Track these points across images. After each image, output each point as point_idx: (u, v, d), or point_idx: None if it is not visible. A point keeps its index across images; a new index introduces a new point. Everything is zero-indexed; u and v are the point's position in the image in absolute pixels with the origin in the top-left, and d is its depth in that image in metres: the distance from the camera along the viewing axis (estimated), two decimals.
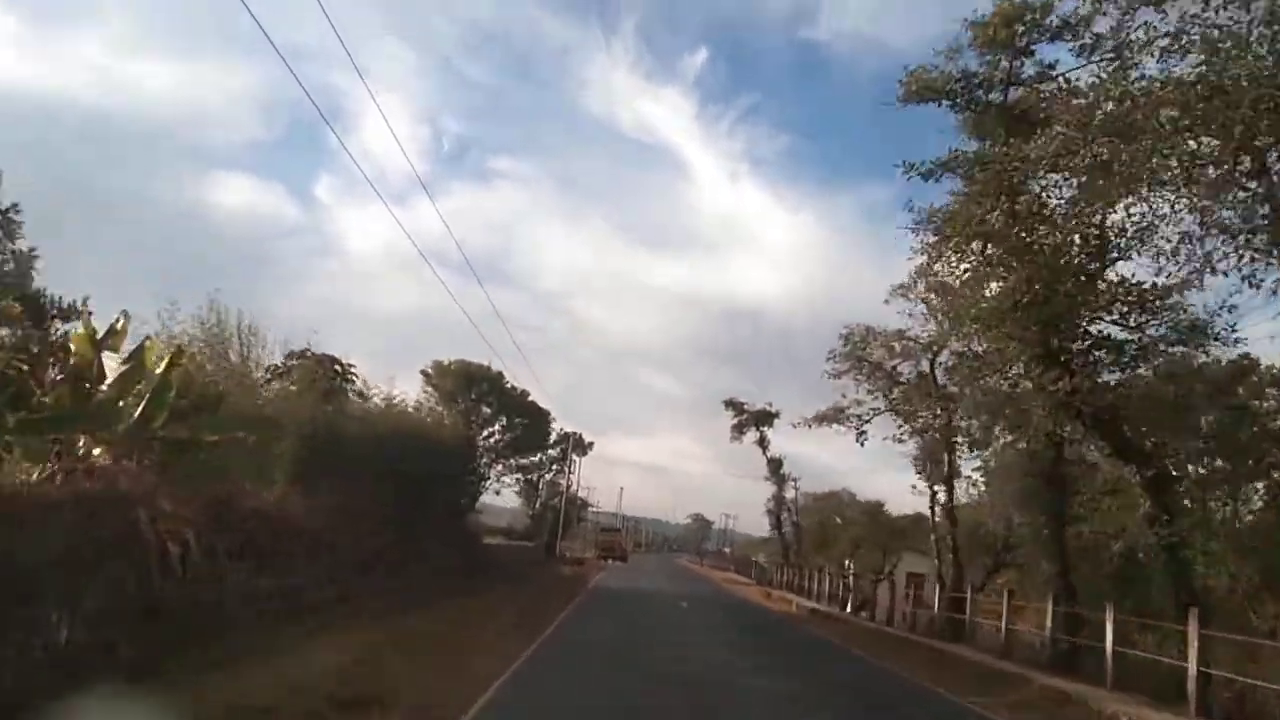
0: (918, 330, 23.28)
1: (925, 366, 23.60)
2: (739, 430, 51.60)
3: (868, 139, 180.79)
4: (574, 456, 58.56)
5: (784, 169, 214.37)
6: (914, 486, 35.58)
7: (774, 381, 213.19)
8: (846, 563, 44.14)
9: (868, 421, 25.08)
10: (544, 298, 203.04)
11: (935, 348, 23.05)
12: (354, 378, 20.49)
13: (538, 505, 60.49)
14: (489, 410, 32.82)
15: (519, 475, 35.12)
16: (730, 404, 51.96)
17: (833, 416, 25.46)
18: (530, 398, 34.39)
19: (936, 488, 24.50)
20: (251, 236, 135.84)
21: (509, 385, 33.64)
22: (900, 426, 24.62)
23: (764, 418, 51.25)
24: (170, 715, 6.64)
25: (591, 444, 61.27)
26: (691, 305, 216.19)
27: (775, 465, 50.95)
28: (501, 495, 43.18)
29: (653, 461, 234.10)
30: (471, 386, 32.59)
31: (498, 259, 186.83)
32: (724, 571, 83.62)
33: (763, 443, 51.23)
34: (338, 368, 20.25)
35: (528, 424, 34.45)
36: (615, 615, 21.53)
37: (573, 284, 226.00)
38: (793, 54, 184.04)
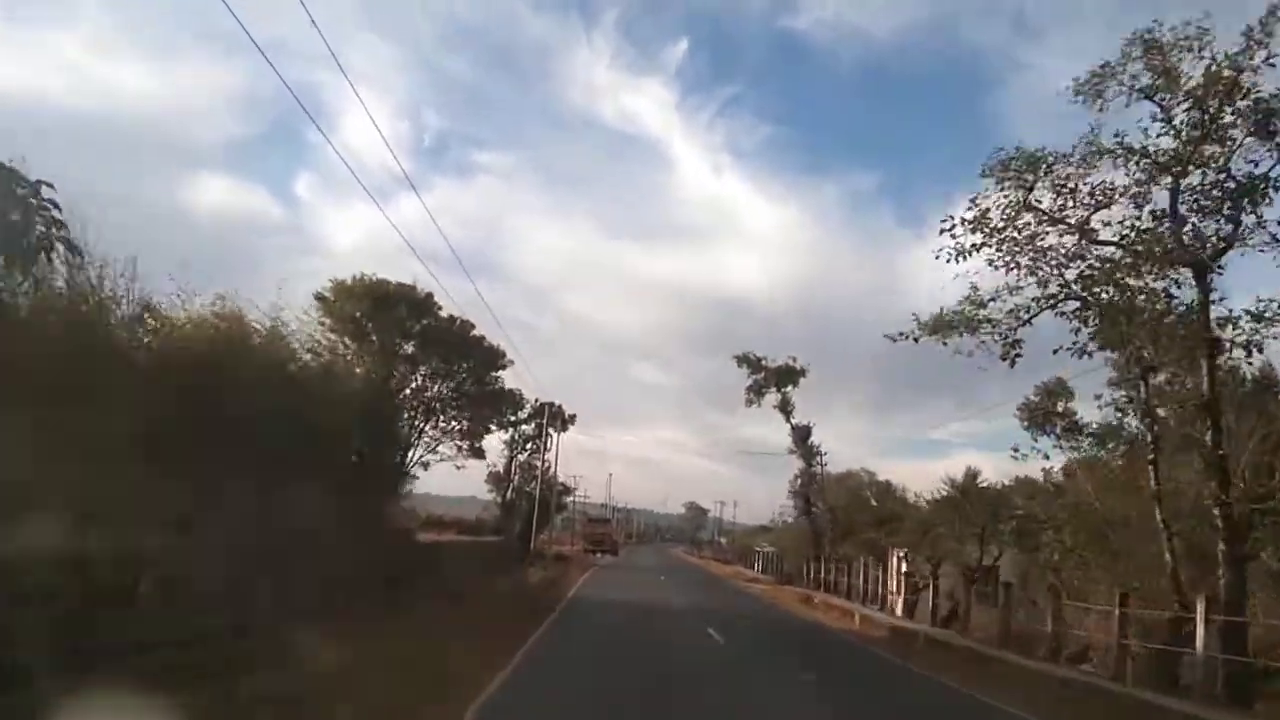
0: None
1: (1155, 204, 13.17)
2: (756, 392, 41.27)
3: (850, 128, 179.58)
4: (551, 431, 48.15)
5: (766, 159, 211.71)
6: (1015, 450, 25.63)
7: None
8: (901, 553, 34.06)
9: (1027, 322, 14.73)
10: (530, 291, 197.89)
11: (1178, 167, 12.75)
12: (51, 211, 9.78)
13: (509, 493, 50.11)
14: (411, 348, 22.24)
15: (462, 442, 24.52)
16: (744, 360, 41.56)
17: (965, 321, 15.06)
18: (475, 332, 23.82)
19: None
20: (231, 234, 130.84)
21: (443, 313, 23.05)
22: (1082, 323, 14.31)
23: (787, 375, 40.96)
24: None
25: (573, 417, 50.84)
26: (678, 297, 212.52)
27: (803, 434, 40.63)
28: (459, 476, 32.75)
29: (642, 453, 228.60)
30: (387, 313, 21.97)
31: (482, 253, 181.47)
32: (727, 564, 73.77)
33: (785, 406, 40.93)
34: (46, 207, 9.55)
35: (471, 367, 23.87)
36: (601, 677, 11.11)
37: (558, 277, 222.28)
38: (773, 43, 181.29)
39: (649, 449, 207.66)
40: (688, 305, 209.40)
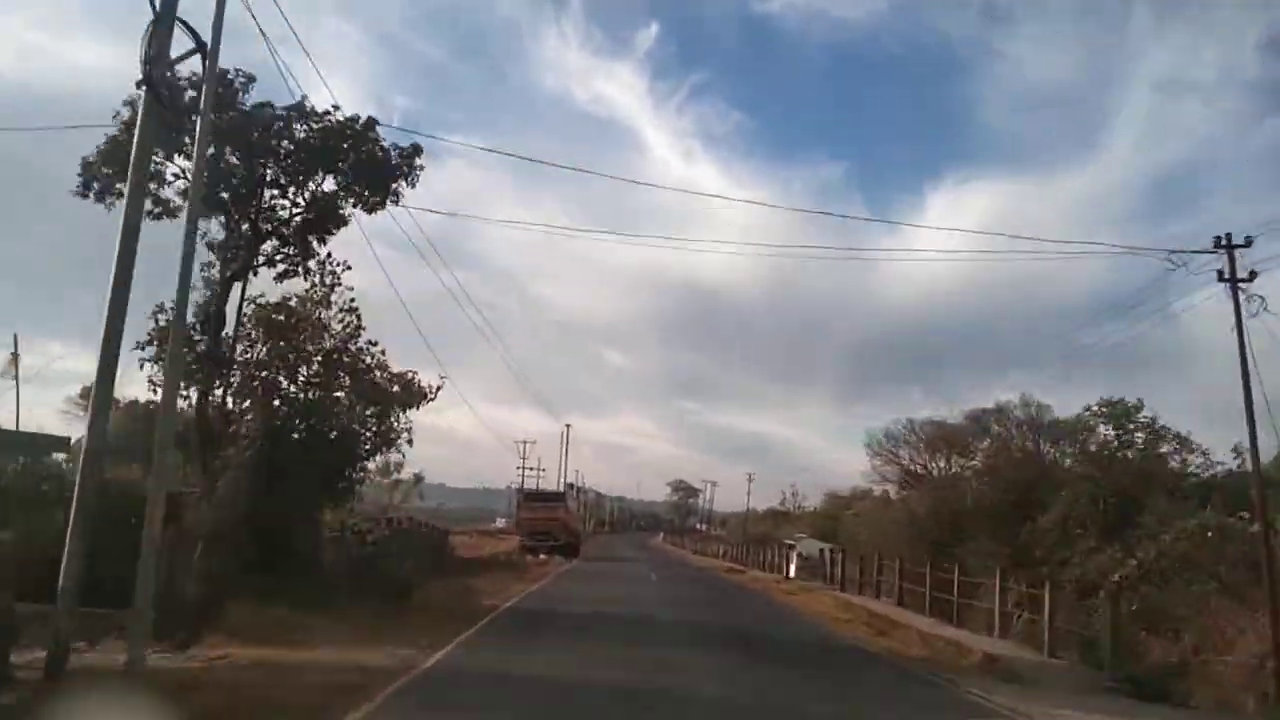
0: None
1: None
2: None
3: (819, 116, 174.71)
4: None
5: (736, 146, 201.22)
6: None
7: (731, 358, 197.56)
8: None
9: None
10: (497, 276, 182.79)
11: None
12: None
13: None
14: None
15: None
16: None
17: None
18: None
19: None
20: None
21: None
22: None
23: None
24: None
25: (419, 151, 16.67)
26: (649, 283, 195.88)
27: None
28: None
29: (615, 441, 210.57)
30: None
31: (448, 236, 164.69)
32: (756, 573, 41.29)
33: None
34: None
35: None
36: None
37: (526, 262, 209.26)
38: (743, 28, 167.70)
39: (622, 437, 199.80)
40: (658, 291, 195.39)
